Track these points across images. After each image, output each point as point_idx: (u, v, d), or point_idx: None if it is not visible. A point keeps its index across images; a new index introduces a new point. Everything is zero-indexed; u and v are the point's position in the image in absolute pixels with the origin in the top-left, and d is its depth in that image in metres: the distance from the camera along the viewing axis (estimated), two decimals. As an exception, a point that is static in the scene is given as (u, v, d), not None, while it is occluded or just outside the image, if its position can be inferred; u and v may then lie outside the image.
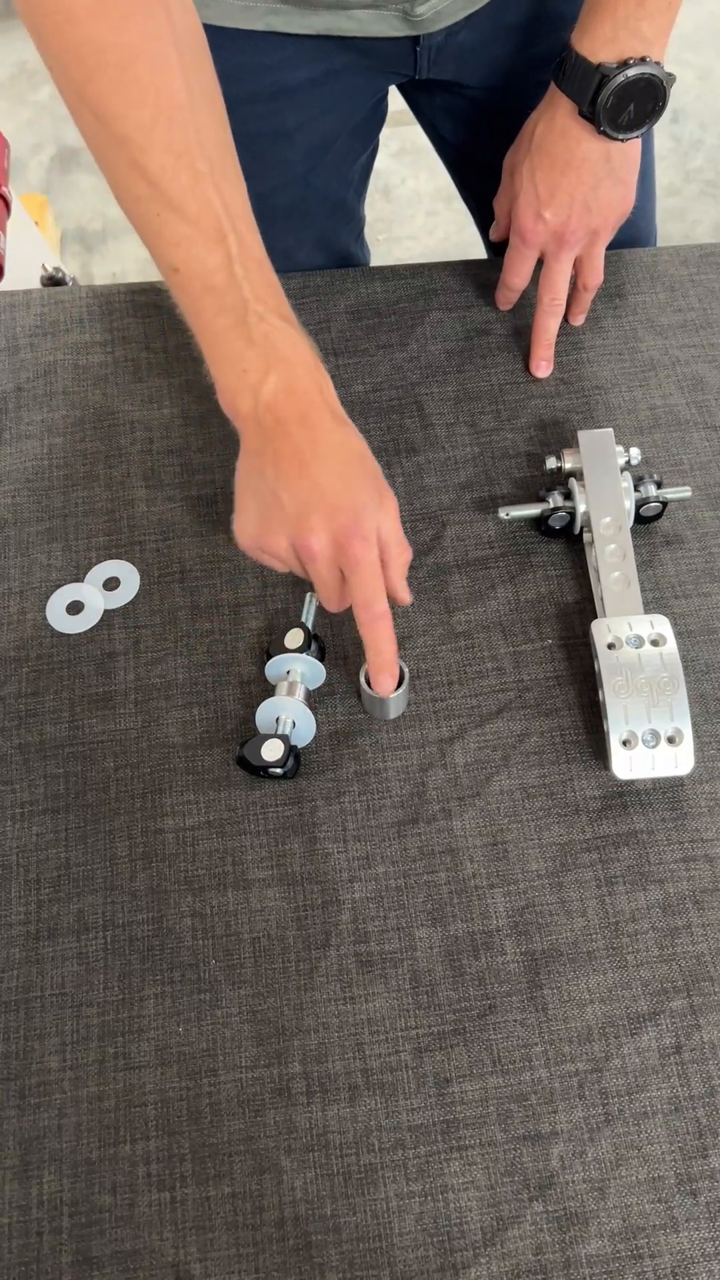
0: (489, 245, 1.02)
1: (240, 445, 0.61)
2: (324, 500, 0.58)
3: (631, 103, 0.67)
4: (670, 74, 0.67)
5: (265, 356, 0.57)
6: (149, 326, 0.83)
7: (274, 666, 0.67)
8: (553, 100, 0.71)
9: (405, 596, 0.64)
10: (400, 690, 0.65)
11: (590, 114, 0.68)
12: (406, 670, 0.66)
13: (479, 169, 0.88)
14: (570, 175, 0.72)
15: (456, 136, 0.91)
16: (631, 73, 0.66)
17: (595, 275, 0.78)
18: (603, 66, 0.66)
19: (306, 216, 0.88)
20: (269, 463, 0.59)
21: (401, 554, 0.62)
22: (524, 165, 0.74)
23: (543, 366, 0.80)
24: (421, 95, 0.88)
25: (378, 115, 0.89)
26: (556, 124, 0.71)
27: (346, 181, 0.91)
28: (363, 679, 0.65)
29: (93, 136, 0.55)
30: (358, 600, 0.60)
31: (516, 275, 0.79)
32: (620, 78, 0.66)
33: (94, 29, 0.52)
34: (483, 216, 0.97)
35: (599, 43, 0.67)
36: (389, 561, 0.61)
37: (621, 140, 0.70)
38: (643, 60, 0.66)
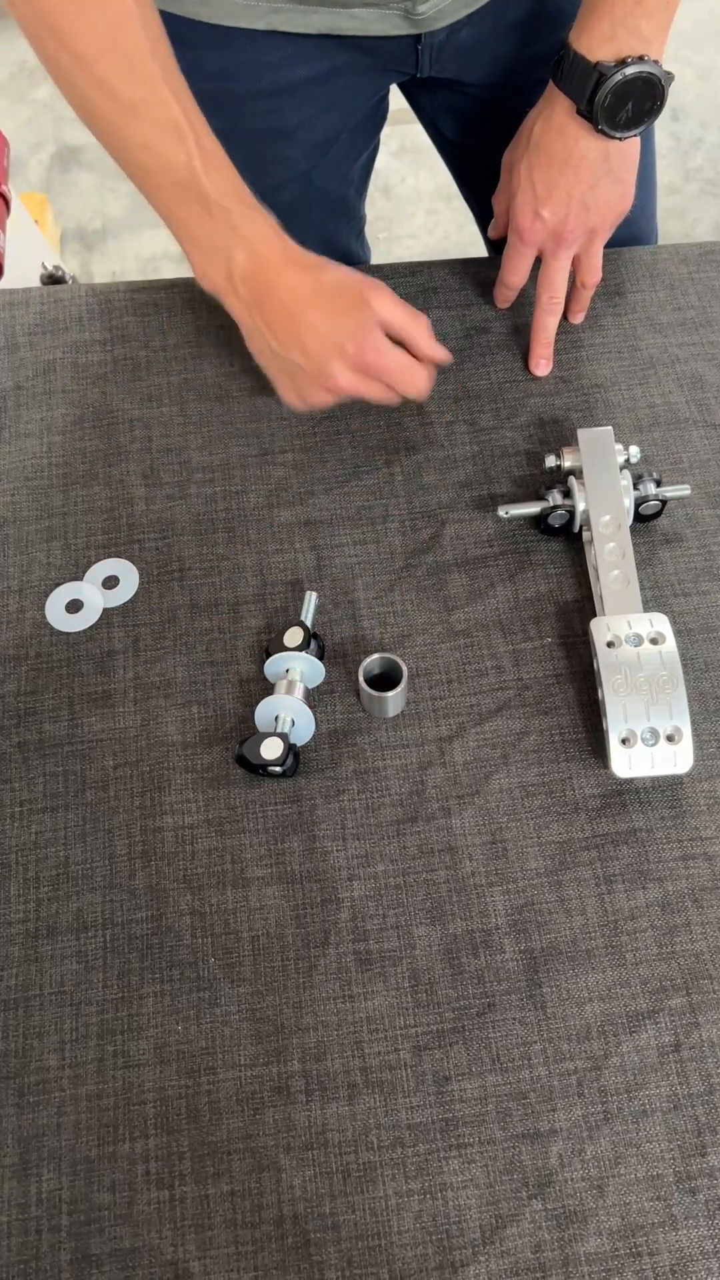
0: (489, 244, 1.02)
1: (237, 323, 0.70)
2: (325, 344, 0.66)
3: (629, 101, 0.67)
4: (669, 72, 0.67)
5: (230, 236, 0.65)
6: (148, 325, 0.83)
7: (273, 665, 0.67)
8: (551, 98, 0.71)
9: (441, 354, 0.71)
10: (398, 690, 0.65)
11: (588, 112, 0.68)
12: (405, 670, 0.66)
13: (480, 167, 0.88)
14: (568, 174, 0.72)
15: (457, 135, 0.91)
16: (629, 71, 0.66)
17: (593, 273, 0.78)
18: (600, 65, 0.66)
19: (308, 215, 0.88)
20: (266, 331, 0.68)
21: (415, 324, 0.69)
22: (522, 163, 0.74)
23: (542, 365, 0.80)
24: (422, 93, 0.88)
25: (379, 114, 0.89)
26: (554, 122, 0.71)
27: (347, 180, 0.91)
28: (361, 678, 0.65)
29: (56, 61, 0.61)
30: (404, 388, 0.69)
31: (514, 273, 0.79)
32: (618, 76, 0.66)
33: None
34: (483, 215, 0.97)
35: (597, 41, 0.67)
36: (408, 337, 0.69)
37: (619, 139, 0.70)
38: (641, 59, 0.66)
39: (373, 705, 0.67)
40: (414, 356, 0.70)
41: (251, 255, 0.65)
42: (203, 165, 0.63)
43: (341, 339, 0.66)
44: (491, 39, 0.78)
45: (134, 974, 0.61)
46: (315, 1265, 0.54)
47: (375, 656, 0.66)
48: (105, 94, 0.61)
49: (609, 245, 0.79)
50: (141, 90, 0.61)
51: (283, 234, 0.67)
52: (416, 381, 0.69)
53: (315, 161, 0.84)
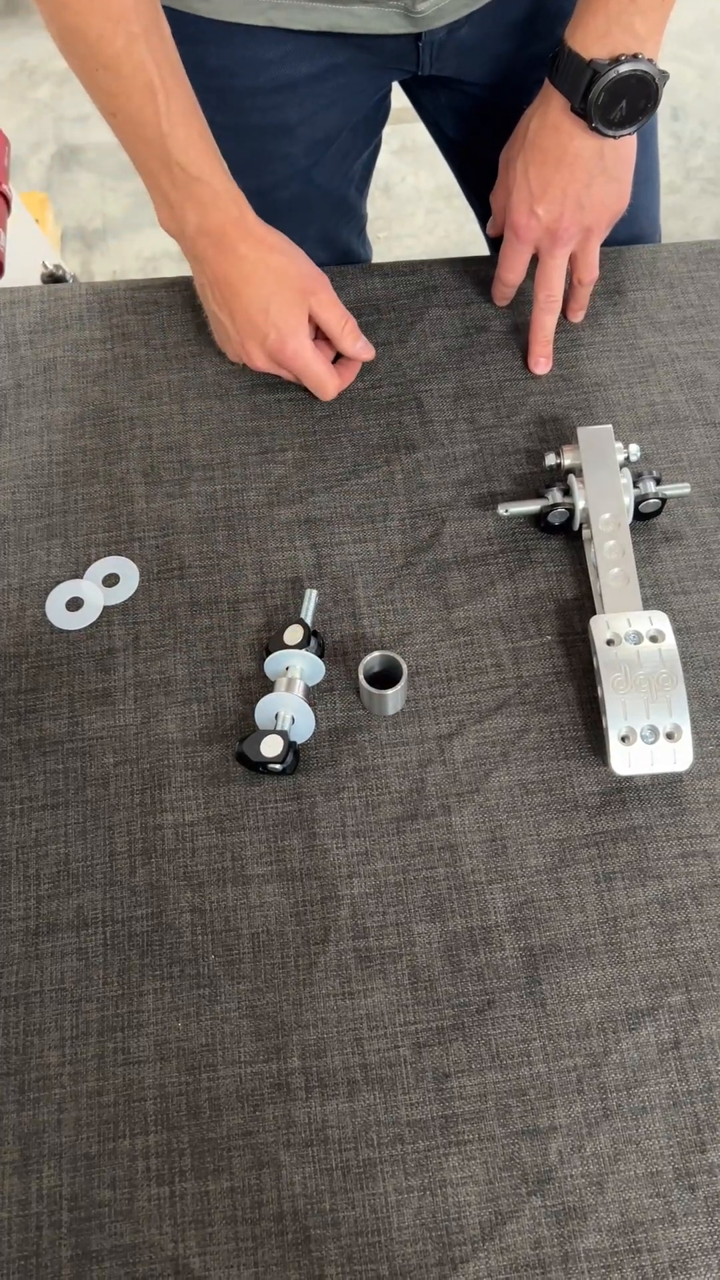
0: (490, 242, 1.02)
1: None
2: (251, 326, 0.72)
3: (623, 99, 0.67)
4: (663, 71, 0.67)
5: (185, 197, 0.68)
6: (148, 323, 0.83)
7: (273, 663, 0.67)
8: (546, 96, 0.71)
9: (367, 353, 0.77)
10: (398, 687, 0.65)
11: (582, 110, 0.68)
12: (405, 667, 0.66)
13: (481, 165, 0.88)
14: (563, 171, 0.72)
15: (458, 133, 0.91)
16: (623, 69, 0.66)
17: (590, 271, 0.78)
18: (594, 62, 0.66)
19: (308, 212, 0.88)
20: (209, 287, 0.73)
21: (344, 327, 0.74)
22: (517, 161, 0.74)
23: (541, 363, 0.80)
24: (424, 92, 0.88)
25: (380, 112, 0.89)
26: (549, 120, 0.71)
27: (348, 178, 0.91)
28: (361, 676, 0.65)
29: (44, 10, 0.63)
30: (312, 389, 0.76)
31: (511, 271, 0.79)
32: (611, 74, 0.66)
33: None
34: (485, 214, 0.97)
35: (591, 38, 0.67)
36: (336, 335, 0.74)
37: (613, 137, 0.70)
38: (635, 57, 0.66)
39: (373, 703, 0.67)
40: (340, 353, 0.76)
41: (204, 218, 0.69)
42: (169, 126, 0.65)
43: (267, 327, 0.71)
44: (492, 38, 0.78)
45: (134, 971, 0.61)
46: (315, 1261, 0.54)
47: (375, 654, 0.66)
48: (83, 41, 0.63)
49: (611, 244, 0.79)
50: (118, 44, 0.63)
51: (241, 204, 0.70)
52: (324, 389, 0.76)
53: (316, 159, 0.84)
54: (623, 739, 0.63)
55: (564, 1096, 0.57)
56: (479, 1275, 0.54)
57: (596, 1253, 0.54)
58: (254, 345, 0.72)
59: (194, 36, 0.72)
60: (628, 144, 0.72)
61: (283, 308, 0.71)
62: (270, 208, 0.74)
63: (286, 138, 0.81)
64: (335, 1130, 0.57)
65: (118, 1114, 0.58)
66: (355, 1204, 0.55)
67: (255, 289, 0.70)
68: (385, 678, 0.67)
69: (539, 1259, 0.54)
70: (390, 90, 0.88)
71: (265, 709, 0.65)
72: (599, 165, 0.72)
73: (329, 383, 0.75)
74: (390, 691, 0.65)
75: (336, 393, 0.77)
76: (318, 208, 0.89)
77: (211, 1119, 0.57)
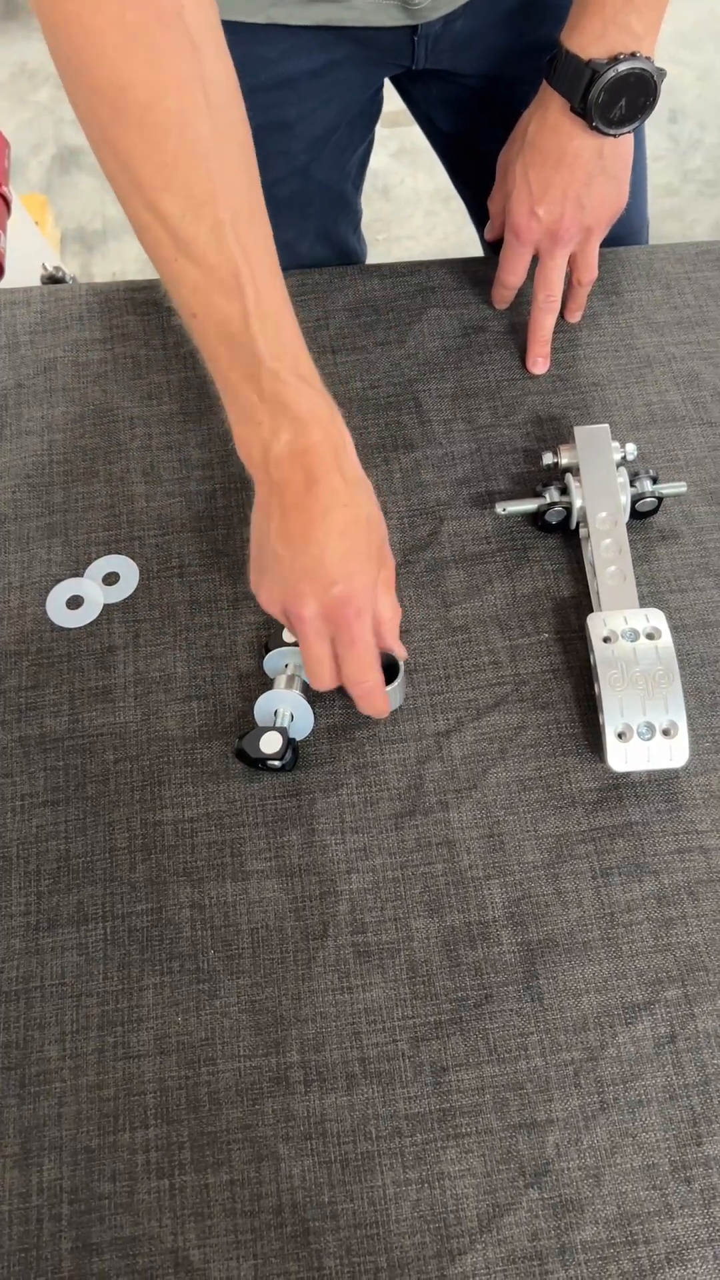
0: (485, 242, 1.02)
1: (255, 492, 0.60)
2: (320, 569, 0.57)
3: (623, 98, 0.68)
4: (661, 69, 0.68)
5: (277, 413, 0.56)
6: (148, 323, 0.83)
7: (272, 660, 0.67)
8: (544, 97, 0.72)
9: (402, 652, 0.65)
10: (396, 684, 0.66)
11: (582, 110, 0.69)
12: (402, 664, 0.66)
13: (474, 159, 0.89)
14: (563, 172, 0.72)
15: (452, 126, 0.92)
16: (622, 68, 0.66)
17: (589, 271, 0.79)
18: (593, 62, 0.67)
19: (307, 208, 0.89)
20: (275, 518, 0.58)
21: (394, 618, 0.62)
22: (517, 163, 0.75)
23: (539, 363, 0.80)
24: (416, 87, 0.89)
25: (374, 107, 0.89)
26: (549, 121, 0.71)
27: (345, 173, 0.91)
28: None
29: (114, 177, 0.54)
30: (348, 675, 0.60)
31: (511, 273, 0.79)
32: (611, 73, 0.66)
33: (122, 67, 0.50)
34: (479, 210, 0.97)
35: (589, 39, 0.67)
36: (381, 629, 0.61)
37: (613, 136, 0.70)
38: (633, 55, 0.67)
39: None
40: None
41: (299, 440, 0.56)
42: (259, 324, 0.55)
43: (337, 575, 0.57)
44: (486, 29, 0.79)
45: (134, 966, 0.61)
46: (314, 1253, 0.55)
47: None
48: (162, 226, 0.54)
49: (604, 243, 0.80)
50: (201, 230, 0.53)
51: (339, 425, 0.58)
52: (368, 674, 0.60)
53: (314, 155, 0.85)
54: (619, 736, 0.64)
55: (561, 1090, 0.58)
56: (476, 1267, 0.54)
57: (593, 1244, 0.54)
58: (310, 591, 0.57)
59: None
60: (626, 143, 0.73)
61: (362, 563, 0.58)
62: (270, 205, 0.74)
63: (286, 134, 0.82)
64: (334, 1124, 0.57)
65: (118, 1108, 0.58)
66: (354, 1196, 0.56)
67: (335, 535, 0.57)
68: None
69: (536, 1251, 0.54)
70: (383, 85, 0.88)
71: (264, 706, 0.66)
72: (598, 165, 0.73)
73: (374, 669, 0.60)
74: (388, 689, 0.65)
75: (370, 689, 0.61)
76: (316, 203, 0.89)
77: (211, 1113, 0.58)
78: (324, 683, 0.61)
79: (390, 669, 0.67)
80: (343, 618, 0.58)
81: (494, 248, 0.83)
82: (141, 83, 0.51)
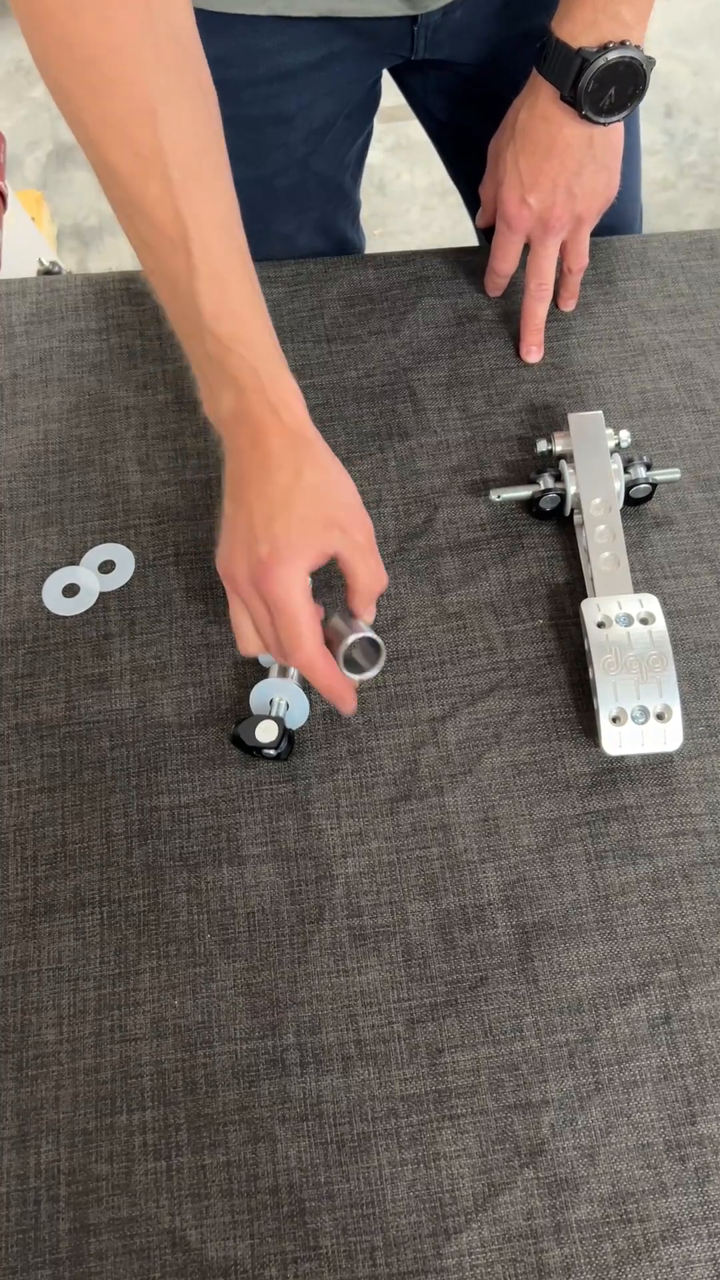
0: (480, 232, 1.02)
1: None
2: (250, 530, 0.56)
3: (612, 86, 0.68)
4: (650, 58, 0.68)
5: (219, 375, 0.56)
6: (143, 314, 0.83)
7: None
8: (535, 86, 0.72)
9: (366, 615, 0.61)
10: (373, 672, 0.64)
11: (571, 98, 0.69)
12: (384, 649, 0.65)
13: (471, 149, 0.89)
14: (553, 161, 0.73)
15: (449, 115, 0.92)
16: (611, 56, 0.67)
17: (580, 259, 0.79)
18: (583, 51, 0.67)
19: (306, 200, 0.89)
20: (229, 482, 0.58)
21: (371, 584, 0.59)
22: (507, 151, 0.75)
23: (533, 352, 0.80)
24: (413, 76, 0.89)
25: (373, 99, 0.90)
26: (538, 109, 0.72)
27: (344, 165, 0.91)
28: (340, 660, 0.65)
29: (72, 128, 0.55)
30: (284, 644, 0.57)
31: (504, 260, 0.80)
32: (600, 61, 0.67)
33: (68, 26, 0.51)
34: (474, 200, 0.97)
35: (579, 27, 0.67)
36: (354, 590, 0.59)
37: (603, 124, 0.71)
38: (622, 44, 0.67)
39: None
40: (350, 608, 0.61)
41: (239, 401, 0.56)
42: (204, 283, 0.55)
43: (259, 539, 0.55)
44: (484, 18, 0.79)
45: (131, 950, 0.62)
46: (310, 1233, 0.55)
47: (354, 637, 0.65)
48: (115, 183, 0.55)
49: (597, 232, 0.80)
50: (151, 188, 0.53)
51: (281, 388, 0.57)
52: (298, 643, 0.57)
53: (314, 147, 0.85)
54: (613, 720, 0.64)
55: (556, 1071, 0.58)
56: (472, 1245, 0.54)
57: (588, 1223, 0.55)
58: (241, 553, 0.57)
59: None
60: (615, 131, 0.73)
61: (291, 524, 0.55)
62: (270, 197, 0.74)
63: (285, 127, 0.82)
64: (330, 1105, 0.58)
65: (115, 1090, 0.58)
66: (350, 1177, 0.56)
67: (271, 492, 0.55)
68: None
69: (531, 1229, 0.55)
70: (381, 77, 0.89)
71: (260, 695, 0.66)
72: (589, 153, 0.73)
73: (306, 637, 0.57)
74: (367, 674, 0.64)
75: (306, 662, 0.58)
76: (315, 195, 0.90)
77: (208, 1094, 0.58)
78: (249, 647, 0.61)
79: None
80: (264, 583, 0.56)
81: (488, 235, 0.83)
82: (90, 39, 0.51)
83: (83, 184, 2.05)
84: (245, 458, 0.57)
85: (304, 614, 0.57)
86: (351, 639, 0.61)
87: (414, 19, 0.77)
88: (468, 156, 0.93)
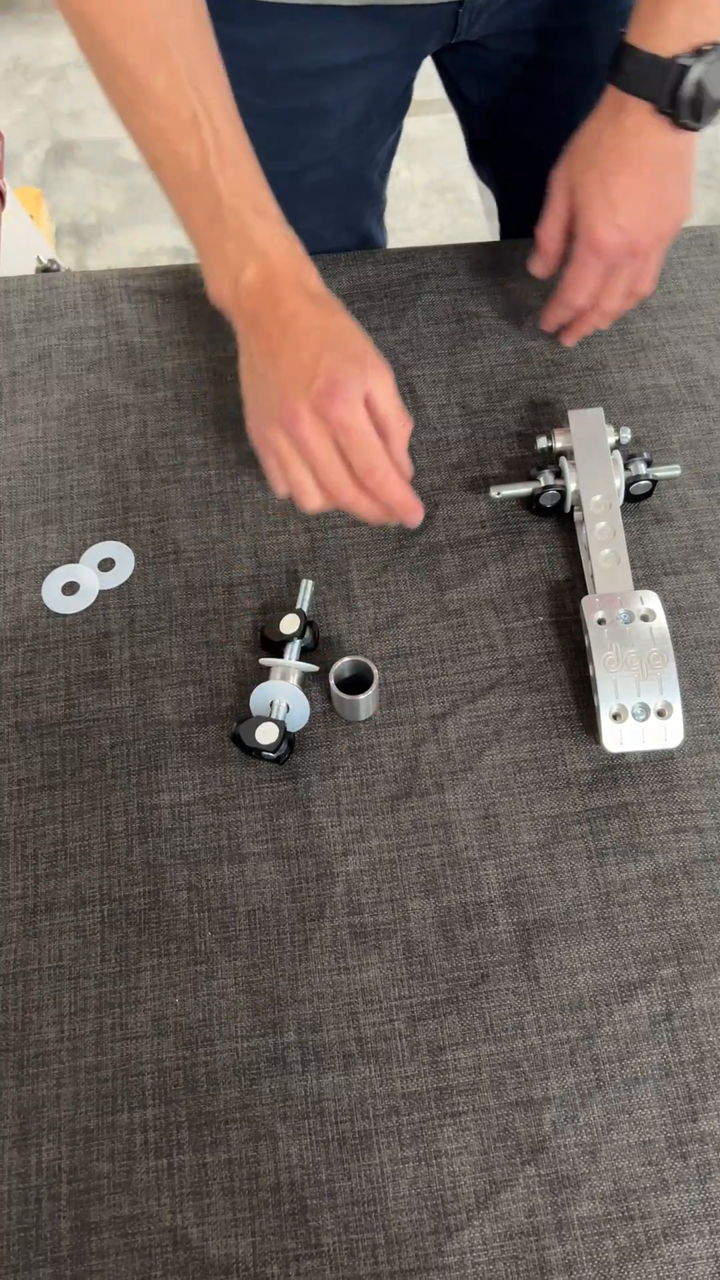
0: (505, 229, 1.02)
1: (237, 344, 0.63)
2: (300, 370, 0.58)
3: (708, 90, 0.64)
4: None
5: (241, 247, 0.59)
6: (142, 311, 0.83)
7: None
8: (616, 103, 0.67)
9: (407, 467, 0.63)
10: (369, 693, 0.65)
11: (669, 109, 0.65)
12: (376, 672, 0.65)
13: (497, 129, 0.88)
14: (643, 176, 0.68)
15: (478, 95, 0.91)
16: (711, 58, 0.63)
17: (651, 283, 0.73)
18: (679, 58, 0.64)
19: (334, 196, 0.88)
20: (254, 350, 0.61)
21: (401, 425, 0.61)
22: (589, 174, 0.69)
23: (571, 338, 0.78)
24: (447, 54, 0.88)
25: (407, 95, 0.89)
26: (627, 125, 0.67)
27: (374, 163, 0.90)
28: (332, 681, 0.65)
29: (80, 38, 0.59)
30: (358, 468, 0.59)
31: (580, 292, 0.72)
32: (701, 65, 0.63)
33: None
34: (500, 184, 0.97)
35: (671, 36, 0.64)
36: (387, 433, 0.61)
37: (697, 130, 0.67)
38: (715, 45, 0.63)
39: (344, 707, 0.67)
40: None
41: (263, 268, 0.60)
42: (218, 162, 0.59)
43: (314, 374, 0.58)
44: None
45: (131, 948, 0.61)
46: (311, 1230, 0.55)
47: (346, 660, 0.66)
48: (124, 76, 0.59)
49: None
50: (159, 77, 0.58)
51: (301, 253, 0.61)
52: (376, 460, 0.59)
53: (346, 143, 0.84)
54: (614, 717, 0.64)
55: (557, 1068, 0.58)
56: (473, 1243, 0.54)
57: (590, 1220, 0.55)
58: (296, 392, 0.58)
59: (236, 18, 0.70)
60: (694, 139, 0.69)
61: (338, 358, 0.58)
62: (297, 191, 0.72)
63: (320, 121, 0.81)
64: (331, 1103, 0.58)
65: (116, 1088, 0.58)
66: (351, 1174, 0.56)
67: (308, 346, 0.58)
68: (357, 682, 0.67)
69: (533, 1226, 0.55)
70: (415, 76, 0.88)
71: (260, 697, 0.66)
72: (675, 164, 0.69)
73: (381, 455, 0.59)
74: (361, 697, 0.64)
75: (382, 480, 0.60)
76: (343, 191, 0.88)
77: (209, 1093, 0.58)
78: (312, 502, 0.62)
79: (364, 677, 0.66)
80: (332, 406, 0.58)
81: (513, 233, 0.81)
82: None
83: (81, 182, 2.05)
84: (270, 321, 0.60)
85: (373, 431, 0.59)
86: (341, 661, 0.65)
87: (459, 4, 0.75)
88: (492, 137, 0.93)
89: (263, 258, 0.59)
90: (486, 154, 0.98)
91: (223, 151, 0.59)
